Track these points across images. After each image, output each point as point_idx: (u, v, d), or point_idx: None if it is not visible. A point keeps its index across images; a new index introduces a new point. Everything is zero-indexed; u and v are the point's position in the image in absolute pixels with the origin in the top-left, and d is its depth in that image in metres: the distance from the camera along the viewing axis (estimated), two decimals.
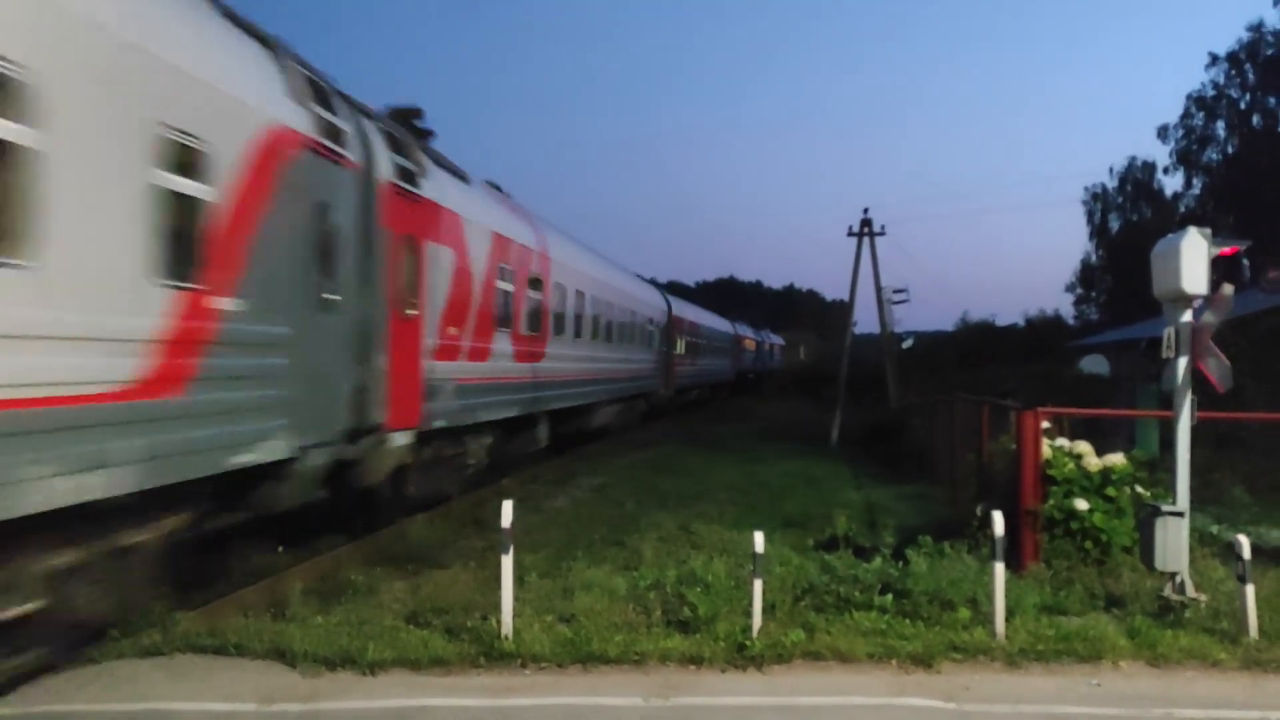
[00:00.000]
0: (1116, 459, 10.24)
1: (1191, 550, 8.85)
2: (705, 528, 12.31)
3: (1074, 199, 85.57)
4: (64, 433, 6.26)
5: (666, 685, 6.82)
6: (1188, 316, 8.59)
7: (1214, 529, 10.96)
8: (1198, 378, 8.59)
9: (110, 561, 7.22)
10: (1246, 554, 7.93)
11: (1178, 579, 8.49)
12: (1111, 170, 59.33)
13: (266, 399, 8.76)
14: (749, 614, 7.70)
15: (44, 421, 6.08)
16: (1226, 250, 8.35)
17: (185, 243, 7.55)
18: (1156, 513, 8.50)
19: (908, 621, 7.90)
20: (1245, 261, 9.28)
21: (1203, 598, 8.41)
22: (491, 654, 7.24)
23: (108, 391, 6.67)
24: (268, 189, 8.72)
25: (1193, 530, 9.15)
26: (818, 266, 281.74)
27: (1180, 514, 8.48)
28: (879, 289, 34.66)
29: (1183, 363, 8.58)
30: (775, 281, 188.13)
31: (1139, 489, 10.03)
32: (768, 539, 8.53)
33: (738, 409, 42.90)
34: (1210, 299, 8.49)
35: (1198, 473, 9.54)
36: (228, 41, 8.63)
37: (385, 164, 11.27)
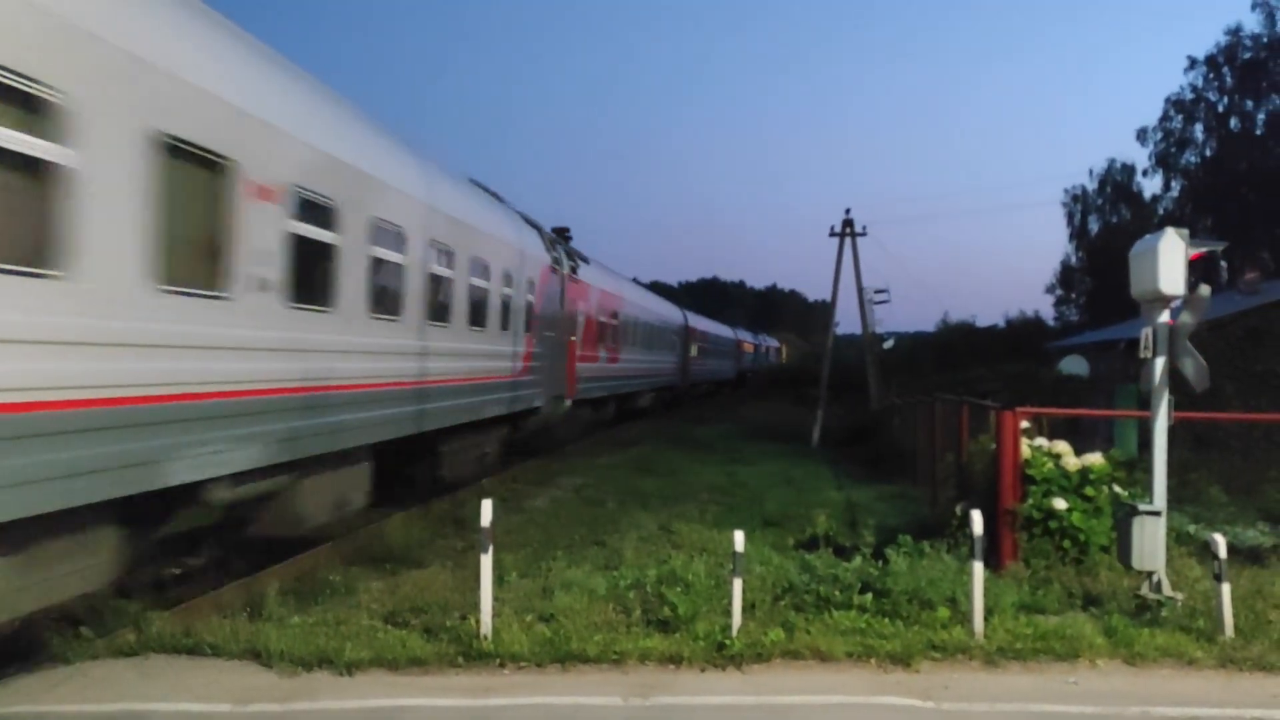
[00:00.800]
0: (1095, 459, 10.29)
1: (1168, 549, 8.90)
2: (686, 527, 12.30)
3: (1054, 201, 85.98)
4: (499, 389, 16.22)
5: (646, 684, 6.81)
6: (1165, 317, 8.63)
7: (1191, 528, 11.03)
8: (1175, 378, 8.64)
9: (497, 444, 17.48)
10: (1223, 553, 7.99)
11: (1155, 578, 8.54)
12: (1091, 172, 59.81)
13: (538, 379, 18.65)
14: (729, 613, 7.70)
15: (494, 386, 15.96)
16: (1196, 254, 8.40)
17: (530, 319, 17.90)
18: (1134, 512, 8.55)
19: (887, 620, 7.91)
20: (1223, 263, 9.34)
21: (1179, 596, 8.47)
22: (470, 654, 7.21)
23: (510, 374, 16.73)
24: (541, 291, 18.83)
25: (1170, 530, 9.20)
26: (800, 267, 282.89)
27: (1157, 513, 8.53)
28: (860, 289, 34.80)
29: (1160, 363, 8.63)
30: (758, 282, 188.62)
31: (1117, 488, 10.09)
32: (748, 539, 8.52)
33: (719, 409, 42.94)
34: (1188, 299, 8.54)
35: (1175, 473, 9.60)
36: (530, 231, 18.96)
37: (565, 266, 21.22)
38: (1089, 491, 10.05)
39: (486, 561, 7.67)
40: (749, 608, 7.95)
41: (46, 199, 6.09)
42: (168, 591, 8.90)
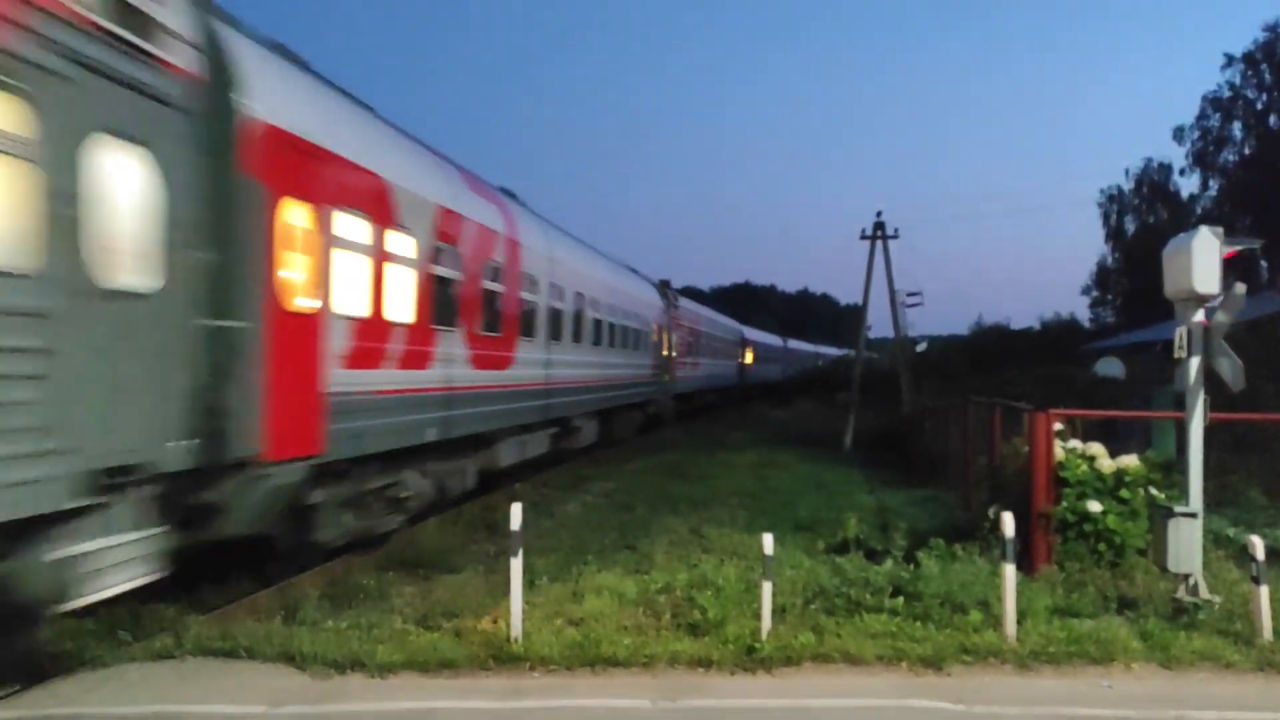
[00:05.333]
0: (1130, 461, 10.17)
1: (1206, 552, 8.80)
2: (716, 532, 12.28)
3: (1089, 201, 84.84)
4: None
5: (675, 688, 6.82)
6: (1200, 316, 8.53)
7: (1230, 531, 10.86)
8: (1211, 378, 8.53)
9: None
10: (1260, 555, 7.88)
11: (1191, 581, 8.44)
12: (1127, 172, 58.79)
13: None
14: (759, 617, 7.69)
15: None
16: (1231, 252, 8.30)
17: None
18: (1169, 514, 8.45)
19: (918, 624, 7.88)
20: (1263, 262, 9.24)
21: (1216, 599, 8.35)
22: (501, 657, 7.26)
23: None
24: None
25: (1208, 532, 9.08)
26: (832, 271, 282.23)
27: (1193, 515, 8.43)
28: (892, 292, 34.51)
29: (1195, 363, 8.53)
30: (789, 286, 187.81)
31: (1153, 491, 9.97)
32: (779, 543, 8.51)
33: (748, 415, 42.80)
34: (1223, 298, 8.44)
35: (1214, 475, 9.45)
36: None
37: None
38: (1124, 494, 9.93)
39: (517, 565, 7.72)
40: (779, 611, 7.94)
41: None
42: (205, 595, 8.99)
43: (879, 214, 33.01)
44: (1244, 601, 8.28)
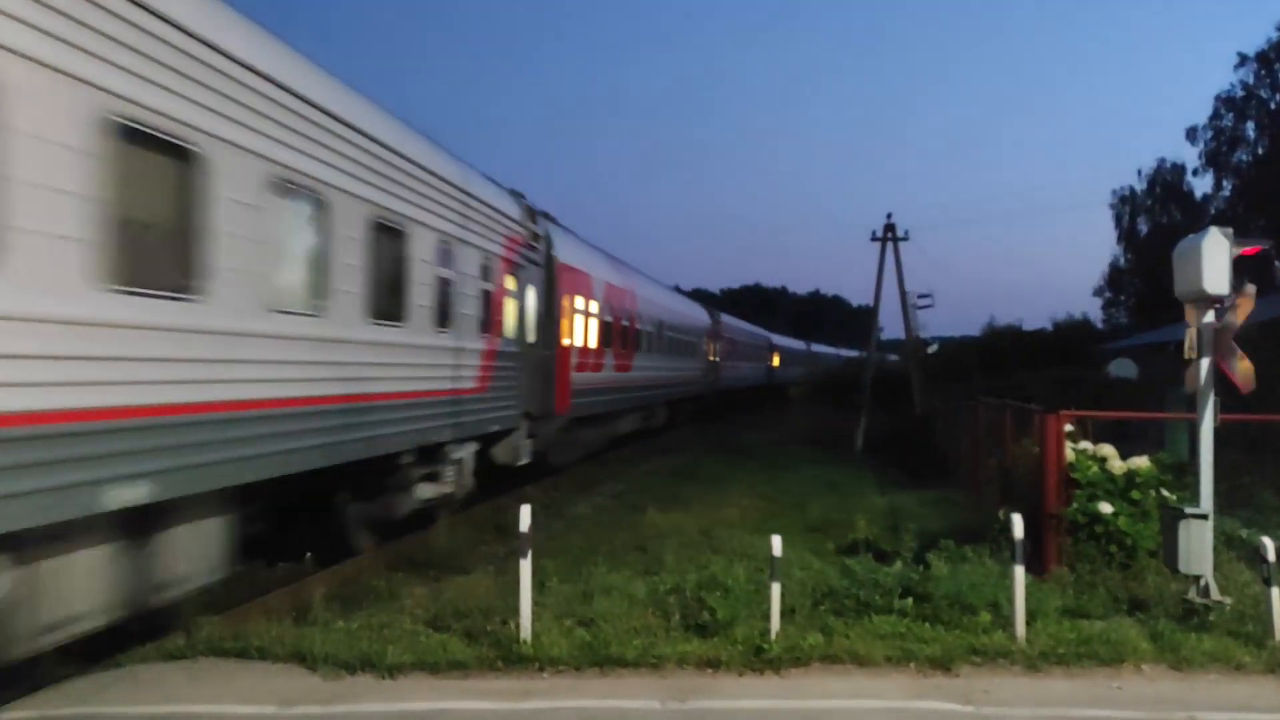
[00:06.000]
0: (1141, 462, 10.14)
1: (1218, 554, 8.76)
2: (726, 533, 12.29)
3: (1102, 202, 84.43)
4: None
5: (684, 689, 6.83)
6: (1210, 317, 8.51)
7: (1243, 532, 10.80)
8: (1221, 379, 8.51)
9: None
10: (1271, 556, 7.84)
11: (1202, 582, 8.41)
12: (1140, 173, 58.50)
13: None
14: (768, 618, 7.69)
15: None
16: (1249, 250, 8.27)
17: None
18: (1180, 515, 8.43)
19: (927, 625, 7.87)
20: (1277, 263, 9.23)
21: (1227, 601, 8.32)
22: (510, 658, 7.27)
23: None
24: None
25: (1220, 534, 9.05)
26: (842, 272, 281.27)
27: (1204, 516, 8.40)
28: (903, 294, 34.46)
29: (1205, 364, 8.50)
30: (800, 288, 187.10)
31: (1164, 492, 9.93)
32: (789, 544, 8.51)
33: (761, 416, 42.75)
34: (1234, 299, 8.41)
35: (1227, 476, 9.41)
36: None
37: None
38: (1135, 495, 9.91)
39: (526, 566, 7.73)
40: (788, 612, 7.94)
41: None
42: (217, 595, 9.04)
43: (889, 216, 33.07)
44: (1255, 603, 8.25)
